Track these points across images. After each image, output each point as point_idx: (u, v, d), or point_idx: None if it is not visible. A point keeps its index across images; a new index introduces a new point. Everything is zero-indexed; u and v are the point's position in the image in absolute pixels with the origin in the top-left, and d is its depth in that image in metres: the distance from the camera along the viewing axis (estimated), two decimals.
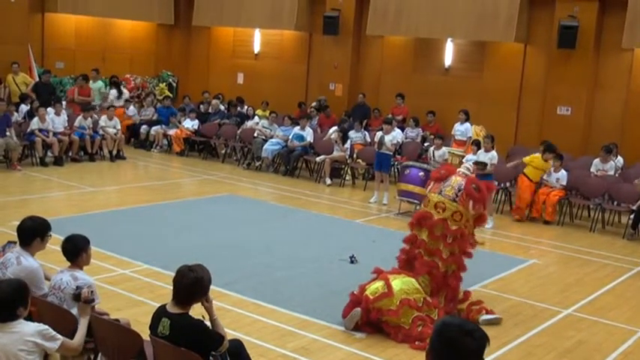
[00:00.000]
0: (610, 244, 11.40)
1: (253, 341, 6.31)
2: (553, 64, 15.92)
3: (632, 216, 11.95)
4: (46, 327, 4.35)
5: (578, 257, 10.64)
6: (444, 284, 7.18)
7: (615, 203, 12.68)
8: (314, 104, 17.99)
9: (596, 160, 13.22)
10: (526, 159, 12.84)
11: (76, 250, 5.22)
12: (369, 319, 6.85)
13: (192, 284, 4.50)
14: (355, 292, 7.03)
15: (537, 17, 16.23)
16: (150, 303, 6.86)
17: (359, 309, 6.82)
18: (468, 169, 7.50)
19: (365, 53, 18.75)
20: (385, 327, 6.83)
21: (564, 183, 12.56)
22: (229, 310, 7.12)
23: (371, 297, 6.79)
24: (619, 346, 7.06)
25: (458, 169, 7.56)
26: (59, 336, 4.37)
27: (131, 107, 18.17)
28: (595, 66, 15.65)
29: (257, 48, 20.61)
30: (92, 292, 4.93)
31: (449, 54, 17.47)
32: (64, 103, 16.52)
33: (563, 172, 12.66)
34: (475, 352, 2.78)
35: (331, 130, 15.58)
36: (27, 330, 4.22)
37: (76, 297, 4.91)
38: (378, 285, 6.88)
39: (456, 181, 7.20)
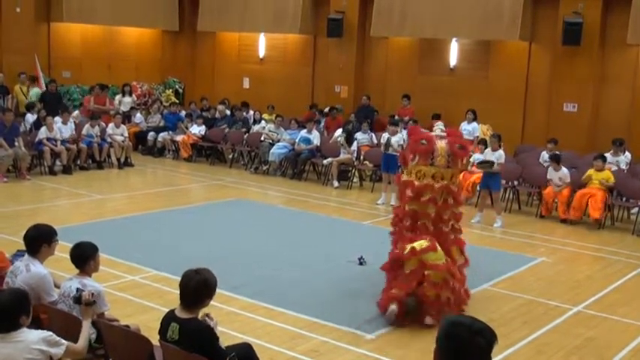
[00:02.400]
0: (619, 241, 11.36)
1: (263, 344, 6.32)
2: (558, 62, 15.88)
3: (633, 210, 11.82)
4: (50, 333, 4.35)
5: (588, 254, 10.62)
6: (450, 242, 7.46)
7: (624, 199, 12.63)
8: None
9: (608, 154, 13.13)
10: (590, 176, 12.23)
11: (84, 257, 5.26)
12: (408, 288, 7.00)
13: (198, 286, 4.53)
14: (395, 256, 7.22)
15: (541, 15, 16.21)
16: (159, 309, 6.87)
17: (395, 308, 6.94)
18: (442, 129, 7.65)
19: (370, 55, 18.75)
20: (421, 294, 7.00)
21: (567, 180, 12.42)
22: (238, 314, 7.15)
23: (418, 248, 7.00)
24: (629, 342, 7.04)
25: (433, 134, 7.68)
26: (63, 341, 4.39)
27: (138, 114, 18.24)
28: (600, 62, 15.61)
29: (262, 52, 20.67)
30: (93, 294, 4.96)
31: (454, 54, 17.48)
32: (76, 112, 16.66)
33: (564, 170, 12.51)
34: (484, 350, 2.75)
35: (337, 133, 15.59)
36: (31, 338, 4.23)
37: (77, 300, 4.94)
38: (422, 241, 7.10)
39: (442, 147, 7.35)
